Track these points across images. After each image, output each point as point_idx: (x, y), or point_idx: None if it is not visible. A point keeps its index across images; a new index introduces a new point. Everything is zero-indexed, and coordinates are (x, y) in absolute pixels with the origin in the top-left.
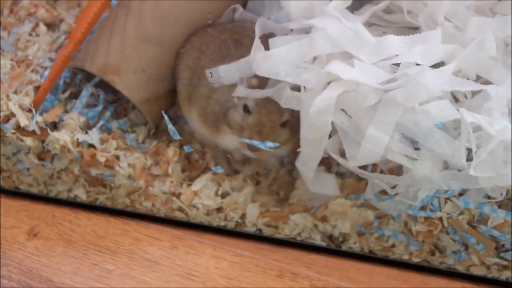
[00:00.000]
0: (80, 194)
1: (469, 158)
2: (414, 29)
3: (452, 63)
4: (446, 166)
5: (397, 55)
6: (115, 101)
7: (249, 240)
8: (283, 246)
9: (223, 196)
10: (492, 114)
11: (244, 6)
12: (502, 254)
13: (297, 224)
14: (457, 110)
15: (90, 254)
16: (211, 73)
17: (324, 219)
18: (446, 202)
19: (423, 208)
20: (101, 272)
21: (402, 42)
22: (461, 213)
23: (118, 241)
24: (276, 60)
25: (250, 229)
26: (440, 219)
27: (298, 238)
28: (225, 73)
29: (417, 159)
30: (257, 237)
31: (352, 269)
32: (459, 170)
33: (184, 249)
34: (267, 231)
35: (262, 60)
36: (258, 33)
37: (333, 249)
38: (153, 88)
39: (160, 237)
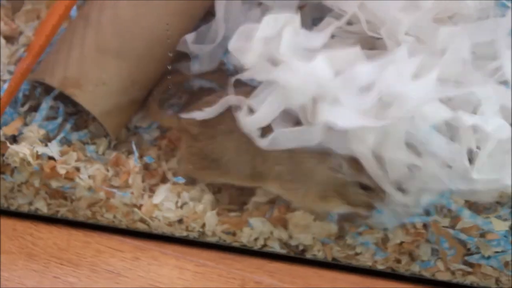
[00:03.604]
0: (41, 207)
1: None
2: (377, 39)
3: (435, 70)
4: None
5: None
6: (75, 113)
7: (212, 249)
8: (246, 255)
9: (183, 207)
10: (484, 114)
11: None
12: (466, 258)
13: (253, 229)
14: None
15: (51, 267)
16: None
17: (282, 225)
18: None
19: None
20: (63, 285)
21: (371, 69)
22: (445, 216)
23: (80, 254)
24: (261, 120)
25: (211, 238)
26: (425, 226)
27: (257, 246)
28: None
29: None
30: (220, 247)
31: (315, 277)
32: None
33: (146, 260)
34: (226, 239)
35: (250, 123)
36: (232, 88)
37: (296, 257)
38: (114, 100)
39: (122, 248)
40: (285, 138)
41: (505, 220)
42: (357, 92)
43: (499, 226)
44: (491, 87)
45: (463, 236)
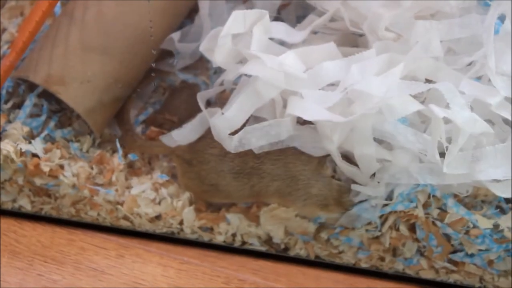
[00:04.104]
0: (25, 204)
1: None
2: (359, 35)
3: (399, 66)
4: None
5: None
6: (59, 111)
7: (195, 247)
8: (230, 253)
9: (161, 202)
10: (452, 109)
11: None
12: (450, 256)
13: (230, 224)
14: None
15: (35, 264)
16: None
17: (257, 221)
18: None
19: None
20: (47, 282)
21: (338, 66)
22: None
23: (64, 251)
24: (233, 121)
25: (190, 235)
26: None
27: (236, 243)
28: (179, 136)
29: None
30: (204, 244)
31: (299, 275)
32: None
33: (130, 258)
34: (203, 236)
35: (221, 125)
36: (202, 105)
37: (280, 255)
38: (98, 98)
39: (106, 246)
40: (254, 135)
41: (490, 218)
42: (324, 87)
43: (484, 224)
44: (464, 82)
45: (449, 231)
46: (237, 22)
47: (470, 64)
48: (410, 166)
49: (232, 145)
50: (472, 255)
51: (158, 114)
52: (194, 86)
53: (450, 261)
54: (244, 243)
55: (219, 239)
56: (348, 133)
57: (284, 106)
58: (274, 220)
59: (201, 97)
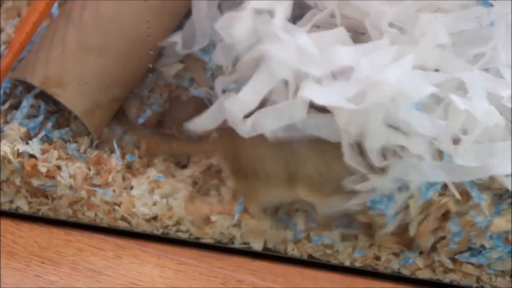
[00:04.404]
0: (22, 205)
1: None
2: (361, 33)
3: (410, 56)
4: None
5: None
6: (56, 112)
7: (193, 248)
8: (227, 253)
9: (157, 203)
10: (472, 100)
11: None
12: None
13: (215, 221)
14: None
15: (32, 265)
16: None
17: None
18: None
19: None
20: (44, 283)
21: (349, 52)
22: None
23: (61, 252)
24: (247, 103)
25: (183, 234)
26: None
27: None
28: (200, 123)
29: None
30: (201, 245)
31: (297, 275)
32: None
33: (128, 259)
34: (194, 233)
35: (235, 108)
36: (219, 91)
37: (277, 256)
38: (96, 99)
39: (104, 247)
40: (267, 118)
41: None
42: (334, 74)
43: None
44: (476, 72)
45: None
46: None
47: (477, 56)
48: (421, 163)
49: (245, 129)
50: (476, 255)
51: (164, 128)
52: (199, 99)
53: (452, 259)
54: (232, 242)
55: (210, 236)
56: (363, 123)
57: (297, 91)
58: (252, 234)
59: (219, 82)
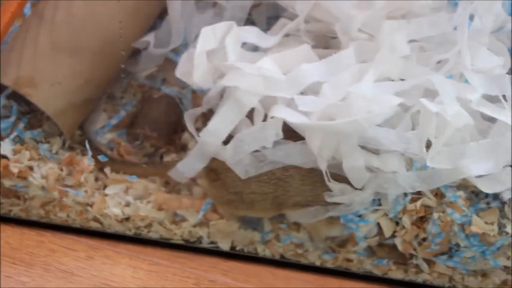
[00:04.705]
0: None
1: None
2: (332, 37)
3: (369, 72)
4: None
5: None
6: (28, 112)
7: (165, 248)
8: (200, 253)
9: (129, 204)
10: (442, 103)
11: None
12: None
13: (183, 218)
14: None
15: (4, 266)
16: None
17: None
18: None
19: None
20: (16, 284)
21: (316, 68)
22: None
23: (33, 253)
24: (217, 133)
25: (155, 235)
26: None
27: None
28: (185, 168)
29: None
30: (174, 246)
31: (269, 275)
32: (422, 169)
33: (100, 259)
34: (164, 233)
35: (208, 140)
36: (191, 126)
37: (250, 256)
38: (68, 100)
39: (76, 247)
40: (245, 142)
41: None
42: (303, 91)
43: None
44: (442, 78)
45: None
46: (208, 38)
47: (439, 62)
48: (396, 175)
49: (227, 155)
50: (453, 256)
51: (136, 127)
52: (170, 97)
53: (426, 260)
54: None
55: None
56: (336, 146)
57: (265, 118)
58: (221, 234)
59: (188, 117)
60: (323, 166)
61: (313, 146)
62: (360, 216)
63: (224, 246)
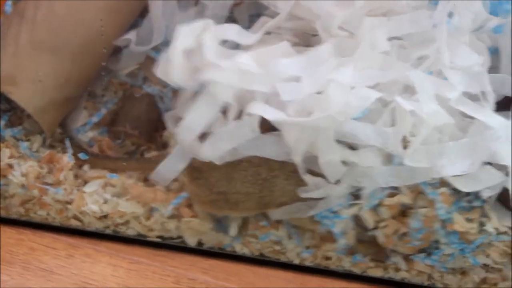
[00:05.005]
0: None
1: None
2: (313, 35)
3: (348, 67)
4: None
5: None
6: (9, 110)
7: (145, 247)
8: (180, 252)
9: (107, 201)
10: (419, 99)
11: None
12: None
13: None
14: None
15: None
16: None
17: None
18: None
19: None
20: None
21: (294, 62)
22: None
23: (13, 251)
24: (192, 128)
25: (131, 231)
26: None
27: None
28: (165, 170)
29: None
30: (154, 244)
31: (249, 274)
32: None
33: (80, 258)
34: (139, 229)
35: (183, 134)
36: (172, 126)
37: (230, 254)
38: (49, 98)
39: (56, 246)
40: (222, 139)
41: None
42: (272, 86)
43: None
44: (422, 75)
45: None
46: (186, 36)
47: (420, 58)
48: (371, 170)
49: (205, 153)
50: (432, 253)
51: (117, 125)
52: (152, 95)
53: (405, 258)
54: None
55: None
56: (312, 140)
57: (240, 113)
58: (191, 232)
59: (169, 118)
60: (297, 160)
61: (289, 140)
62: (335, 212)
63: (191, 242)
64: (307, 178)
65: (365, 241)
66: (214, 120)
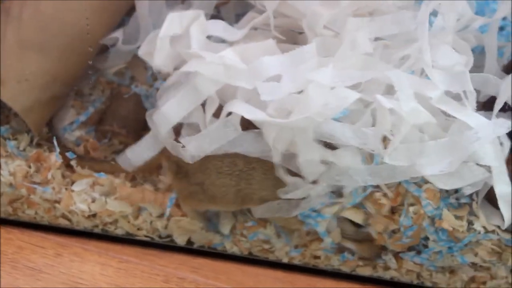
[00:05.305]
0: None
1: None
2: (299, 33)
3: (328, 66)
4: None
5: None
6: None
7: (134, 245)
8: (169, 251)
9: (95, 200)
10: (398, 98)
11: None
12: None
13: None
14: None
15: None
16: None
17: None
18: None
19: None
20: None
21: (277, 61)
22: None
23: (1, 250)
24: (170, 117)
25: (120, 230)
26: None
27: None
28: (134, 155)
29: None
30: (143, 243)
31: (238, 272)
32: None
33: (68, 257)
34: (127, 228)
35: (158, 122)
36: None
37: (219, 253)
38: (36, 96)
39: (44, 245)
40: (205, 141)
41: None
42: (254, 84)
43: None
44: (403, 74)
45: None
46: (174, 23)
47: (403, 58)
48: (350, 169)
49: (188, 154)
50: (421, 252)
51: (104, 124)
52: (139, 94)
53: (395, 256)
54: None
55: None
56: (292, 139)
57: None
58: (180, 231)
59: (149, 116)
60: (276, 160)
61: (269, 139)
62: (316, 211)
63: (180, 241)
64: (286, 178)
65: (360, 240)
66: (193, 112)
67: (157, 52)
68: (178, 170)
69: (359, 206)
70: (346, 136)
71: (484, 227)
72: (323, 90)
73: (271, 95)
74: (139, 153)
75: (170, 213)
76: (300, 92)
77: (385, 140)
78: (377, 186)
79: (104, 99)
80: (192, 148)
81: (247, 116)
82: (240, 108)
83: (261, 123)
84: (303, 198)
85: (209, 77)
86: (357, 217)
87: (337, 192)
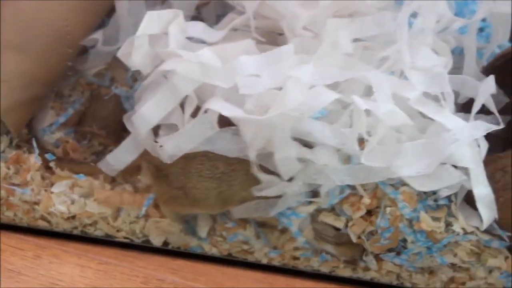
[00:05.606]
0: None
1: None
2: (279, 34)
3: (308, 65)
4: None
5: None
6: None
7: (114, 247)
8: (149, 252)
9: (75, 202)
10: (375, 99)
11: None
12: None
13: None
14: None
15: None
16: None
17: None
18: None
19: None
20: None
21: (255, 61)
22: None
23: None
24: (149, 118)
25: (99, 232)
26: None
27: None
28: (114, 160)
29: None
30: (123, 244)
31: (218, 274)
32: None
33: (47, 259)
34: (106, 229)
35: (137, 123)
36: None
37: (199, 254)
38: (15, 97)
39: (23, 247)
40: (182, 140)
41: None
42: (231, 83)
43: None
44: (381, 75)
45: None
46: (152, 22)
47: (383, 59)
48: (326, 168)
49: (166, 154)
50: (401, 253)
51: (84, 126)
52: (119, 96)
53: (375, 257)
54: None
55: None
56: (269, 137)
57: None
58: (158, 231)
59: (127, 118)
60: (252, 156)
61: (246, 136)
62: (290, 209)
63: (156, 242)
64: (261, 175)
65: (341, 243)
66: (172, 112)
67: (134, 50)
68: (158, 173)
69: (336, 209)
70: (324, 136)
71: (463, 228)
72: (302, 87)
73: (250, 89)
74: (119, 158)
75: (148, 214)
76: (280, 89)
77: (362, 141)
78: (354, 188)
79: (83, 101)
80: (169, 148)
81: (224, 113)
82: (218, 106)
83: (238, 120)
84: (279, 197)
85: (186, 75)
86: (337, 222)
87: (314, 192)
